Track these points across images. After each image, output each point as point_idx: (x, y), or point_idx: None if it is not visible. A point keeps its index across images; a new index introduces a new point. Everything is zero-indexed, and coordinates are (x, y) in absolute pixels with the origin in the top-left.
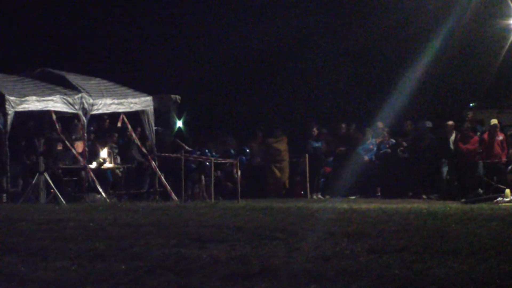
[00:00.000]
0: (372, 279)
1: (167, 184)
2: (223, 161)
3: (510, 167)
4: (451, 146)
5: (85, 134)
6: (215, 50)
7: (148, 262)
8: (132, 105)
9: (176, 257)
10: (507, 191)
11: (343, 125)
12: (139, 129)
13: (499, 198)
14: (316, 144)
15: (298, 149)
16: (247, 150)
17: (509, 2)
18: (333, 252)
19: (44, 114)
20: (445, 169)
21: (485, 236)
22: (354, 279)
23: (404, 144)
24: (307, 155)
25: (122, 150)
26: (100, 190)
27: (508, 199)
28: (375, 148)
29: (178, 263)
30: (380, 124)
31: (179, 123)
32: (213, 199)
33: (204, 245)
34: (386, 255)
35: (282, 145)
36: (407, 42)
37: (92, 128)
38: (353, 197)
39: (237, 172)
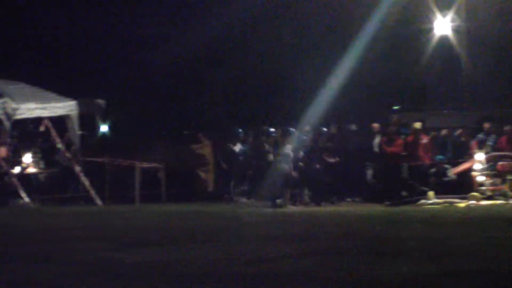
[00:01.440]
0: (304, 281)
1: (91, 188)
2: (148, 166)
3: (433, 169)
4: (376, 149)
5: (8, 139)
6: (142, 54)
7: (81, 267)
8: (56, 109)
9: (107, 261)
10: (430, 193)
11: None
12: (68, 134)
13: (422, 201)
14: (240, 148)
15: (223, 152)
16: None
17: (431, 6)
18: (262, 254)
19: None
20: (369, 172)
21: (409, 237)
22: (288, 281)
23: (330, 146)
24: (232, 159)
25: (46, 155)
26: (24, 195)
27: (431, 201)
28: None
29: (111, 267)
30: (306, 128)
31: (104, 128)
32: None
33: (134, 249)
34: (316, 256)
35: (206, 150)
36: (331, 46)
37: (15, 132)
38: (279, 200)
39: (162, 176)
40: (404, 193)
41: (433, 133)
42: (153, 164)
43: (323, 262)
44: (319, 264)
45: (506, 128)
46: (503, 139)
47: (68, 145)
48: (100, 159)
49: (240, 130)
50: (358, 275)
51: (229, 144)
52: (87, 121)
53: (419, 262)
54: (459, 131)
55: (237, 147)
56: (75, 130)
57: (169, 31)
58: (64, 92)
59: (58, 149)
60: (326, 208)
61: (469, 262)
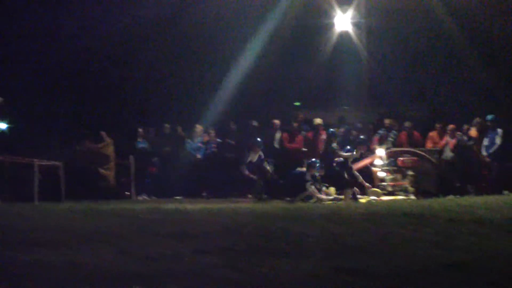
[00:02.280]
0: (197, 279)
1: None
2: (47, 163)
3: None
4: (277, 145)
5: None
6: (42, 49)
7: None
8: None
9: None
10: (332, 188)
11: (166, 125)
12: None
13: (323, 196)
14: (142, 145)
15: (124, 150)
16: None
17: (331, 1)
18: (158, 253)
19: None
20: (270, 168)
21: (308, 234)
22: (180, 279)
23: (231, 142)
24: (132, 156)
25: None
26: None
27: (332, 197)
28: (203, 147)
29: (7, 268)
30: (205, 125)
31: (2, 125)
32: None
33: (30, 249)
34: (211, 255)
35: (109, 150)
36: (229, 42)
37: None
38: (179, 197)
39: (61, 174)
40: (308, 189)
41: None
42: (53, 162)
43: (219, 260)
44: (215, 262)
45: (406, 124)
46: (403, 135)
47: None
48: None
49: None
50: (253, 273)
51: (132, 141)
52: None
53: (317, 259)
54: (359, 126)
55: (139, 144)
56: None
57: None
58: None
59: None
60: (226, 205)
61: (367, 258)
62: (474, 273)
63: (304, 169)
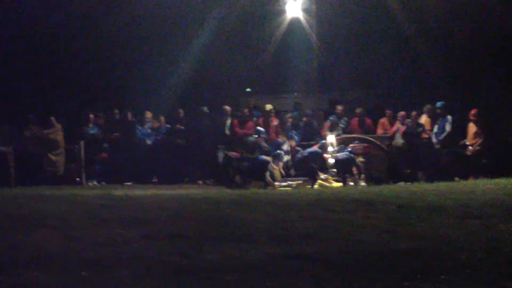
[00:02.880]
0: (146, 265)
1: None
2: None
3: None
4: (227, 131)
5: None
6: None
7: None
8: None
9: None
10: (277, 172)
11: (116, 111)
12: None
13: (277, 183)
14: (92, 131)
15: (74, 135)
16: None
17: None
18: (107, 239)
19: None
20: (221, 155)
21: (258, 220)
22: (128, 265)
23: (181, 128)
24: (82, 142)
25: None
26: None
27: (285, 184)
28: (153, 133)
29: None
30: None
31: None
32: None
33: None
34: (161, 241)
35: (58, 135)
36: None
37: None
38: (129, 183)
39: (10, 160)
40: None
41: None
42: (1, 148)
43: (169, 246)
44: (164, 248)
45: (357, 110)
46: (355, 121)
47: None
48: None
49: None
50: (203, 259)
51: (86, 127)
52: None
53: (267, 245)
54: (309, 112)
55: (90, 130)
56: None
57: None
58: None
59: None
60: (176, 191)
61: (317, 244)
62: (425, 259)
63: (269, 158)
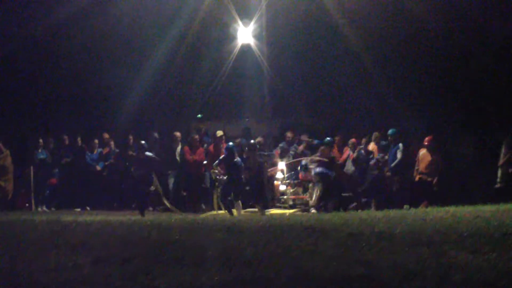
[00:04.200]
0: None
1: None
2: None
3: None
4: (178, 157)
5: None
6: None
7: None
8: None
9: None
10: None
11: (65, 136)
12: None
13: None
14: (42, 156)
15: (23, 160)
16: None
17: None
18: (56, 264)
19: None
20: (171, 180)
21: (209, 246)
22: None
23: (133, 154)
24: (32, 167)
25: None
26: None
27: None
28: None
29: None
30: (105, 135)
31: None
32: None
33: None
34: (111, 266)
35: (6, 161)
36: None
37: None
38: (79, 209)
39: None
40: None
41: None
42: None
43: (119, 271)
44: (114, 273)
45: (303, 137)
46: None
47: None
48: None
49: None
50: (153, 285)
51: (35, 152)
52: None
53: (217, 270)
54: (258, 139)
55: (39, 155)
56: None
57: None
58: None
59: None
60: (127, 217)
61: (266, 270)
62: (372, 286)
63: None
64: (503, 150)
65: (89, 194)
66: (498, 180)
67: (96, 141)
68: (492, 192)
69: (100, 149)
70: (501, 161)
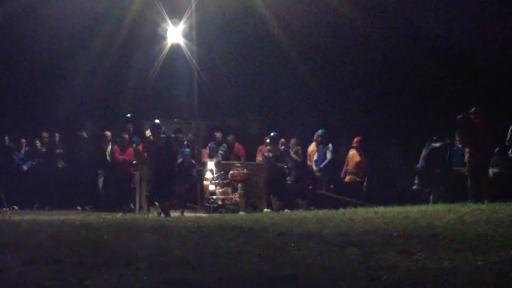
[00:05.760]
0: None
1: None
2: None
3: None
4: (108, 157)
5: None
6: None
7: None
8: None
9: None
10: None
11: None
12: None
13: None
14: None
15: None
16: None
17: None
18: None
19: None
20: (101, 180)
21: (138, 247)
22: None
23: (61, 152)
24: None
25: None
26: None
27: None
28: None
29: None
30: (44, 134)
31: None
32: None
33: None
34: (40, 267)
35: None
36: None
37: None
38: (6, 208)
39: None
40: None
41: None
42: None
43: (49, 272)
44: (44, 274)
45: (229, 137)
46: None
47: None
48: None
49: None
50: (82, 285)
51: None
52: None
53: (146, 271)
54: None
55: None
56: None
57: None
58: None
59: None
60: (56, 216)
61: (194, 271)
62: (303, 286)
63: None
64: (423, 153)
65: (17, 194)
66: (416, 181)
67: (23, 140)
68: (415, 194)
69: (27, 148)
70: (419, 165)
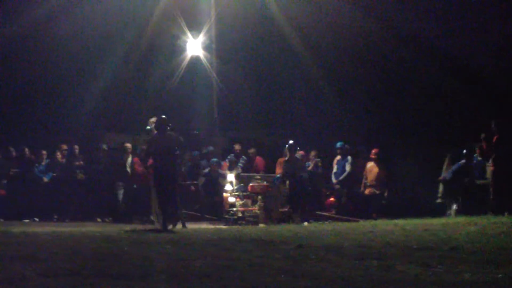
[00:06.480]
0: None
1: None
2: None
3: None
4: (128, 169)
5: None
6: None
7: None
8: None
9: None
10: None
11: (11, 148)
12: None
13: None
14: None
15: None
16: None
17: (182, 25)
18: (3, 276)
19: None
20: (121, 192)
21: (157, 259)
22: None
23: (80, 163)
24: None
25: None
26: None
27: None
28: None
29: None
30: (63, 146)
31: None
32: None
33: None
34: (58, 278)
35: None
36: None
37: None
38: (27, 220)
39: None
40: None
41: None
42: None
43: (67, 284)
44: (62, 286)
45: (251, 150)
46: (258, 160)
47: None
48: None
49: None
50: None
51: None
52: None
53: (164, 283)
54: (209, 149)
55: None
56: None
57: None
58: None
59: None
60: (75, 228)
61: (213, 283)
62: None
63: None
64: (445, 165)
65: (37, 205)
66: (439, 195)
67: (44, 152)
68: (434, 206)
69: (48, 160)
70: (441, 176)
